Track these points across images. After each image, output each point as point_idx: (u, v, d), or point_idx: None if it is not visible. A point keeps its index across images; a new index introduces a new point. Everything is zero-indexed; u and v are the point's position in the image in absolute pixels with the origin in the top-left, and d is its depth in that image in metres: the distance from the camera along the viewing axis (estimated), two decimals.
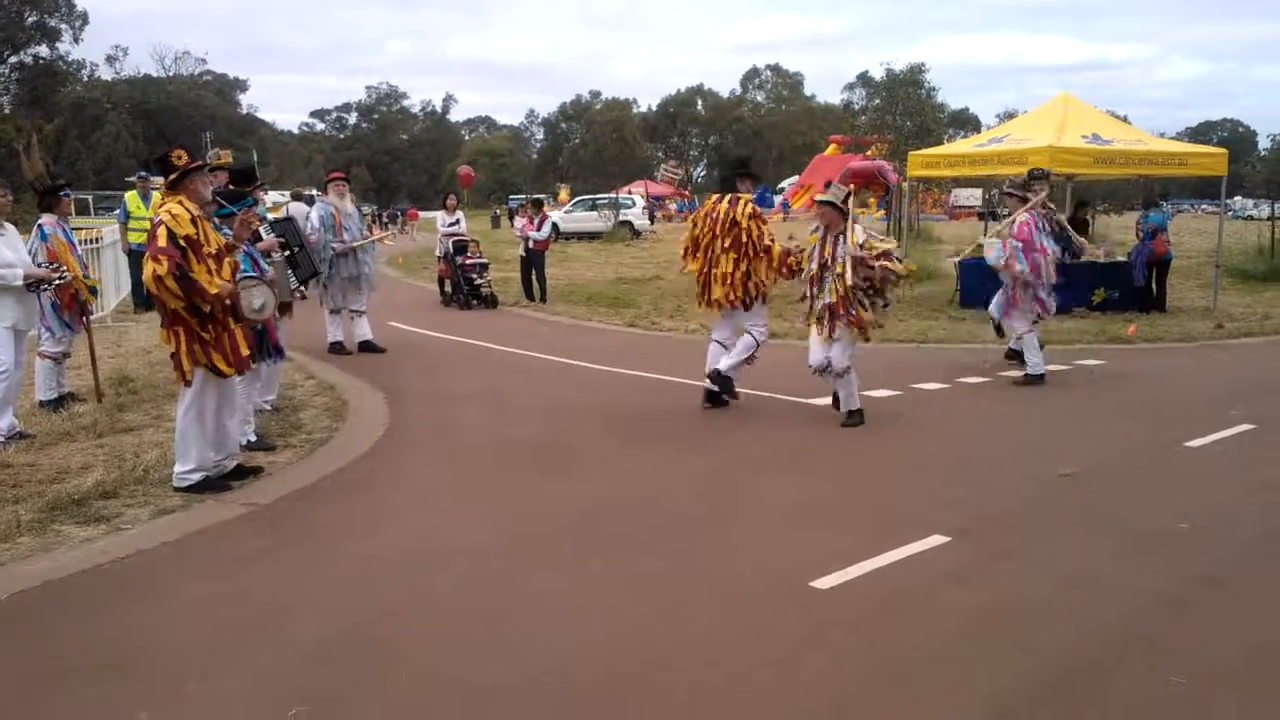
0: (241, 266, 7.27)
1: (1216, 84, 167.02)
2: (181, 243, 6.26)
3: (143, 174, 16.77)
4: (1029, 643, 4.45)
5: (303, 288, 10.89)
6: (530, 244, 18.06)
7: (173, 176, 6.49)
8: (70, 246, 8.92)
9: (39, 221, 8.83)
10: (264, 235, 8.83)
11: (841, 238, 8.34)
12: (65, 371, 9.33)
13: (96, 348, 9.37)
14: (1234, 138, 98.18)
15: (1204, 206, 76.41)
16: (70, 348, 9.25)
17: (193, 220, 6.38)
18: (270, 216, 11.26)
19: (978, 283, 14.84)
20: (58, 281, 8.36)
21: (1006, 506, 6.45)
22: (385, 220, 41.37)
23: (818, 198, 9.00)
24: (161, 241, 6.23)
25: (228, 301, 6.53)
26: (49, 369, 9.06)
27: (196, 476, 6.61)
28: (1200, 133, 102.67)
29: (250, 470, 7.01)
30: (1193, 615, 4.82)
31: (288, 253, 9.51)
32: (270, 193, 36.32)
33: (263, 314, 7.06)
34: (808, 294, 8.63)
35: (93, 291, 9.59)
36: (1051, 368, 10.79)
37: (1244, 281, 20.40)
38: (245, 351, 6.79)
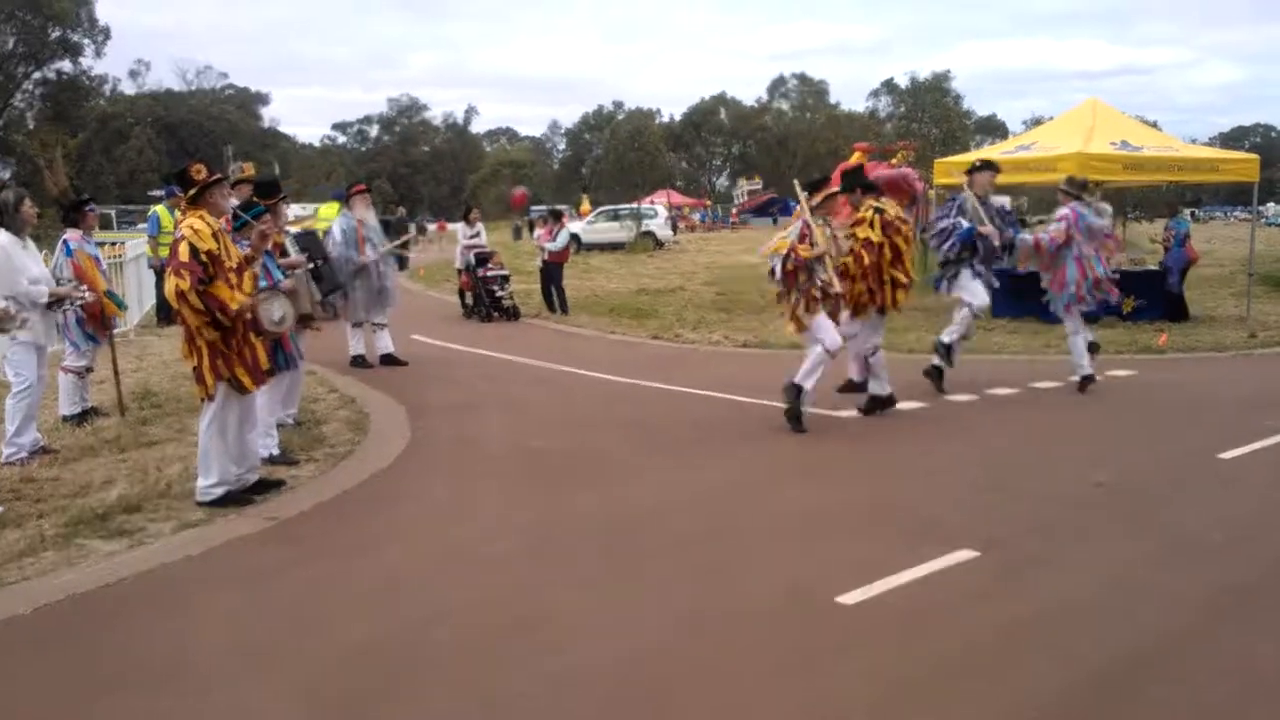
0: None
1: (1254, 88, 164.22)
2: (203, 258, 6.27)
3: (174, 191, 16.87)
4: (1063, 653, 4.38)
5: (334, 305, 10.85)
6: (545, 255, 18.08)
7: (193, 191, 6.49)
8: (95, 261, 8.96)
9: (64, 237, 8.87)
10: (291, 251, 8.83)
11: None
12: (88, 386, 9.34)
13: (120, 361, 9.38)
14: (1266, 143, 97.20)
15: (1236, 213, 75.69)
16: (93, 362, 9.27)
17: (214, 235, 6.39)
18: (293, 230, 11.28)
19: (1002, 292, 14.65)
20: (80, 301, 8.37)
21: (1038, 515, 6.35)
22: (417, 231, 41.09)
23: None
24: (184, 256, 6.23)
25: (248, 316, 6.52)
26: (72, 383, 9.07)
27: (219, 491, 6.60)
28: (1232, 138, 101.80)
29: (272, 484, 6.99)
30: (1227, 625, 4.75)
31: (311, 265, 9.51)
32: (292, 206, 36.46)
33: (282, 326, 7.03)
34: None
35: (121, 306, 9.60)
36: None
37: (1278, 290, 20.13)
38: (265, 365, 6.79)
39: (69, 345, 8.93)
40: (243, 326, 6.52)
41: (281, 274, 7.88)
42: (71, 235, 8.85)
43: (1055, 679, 4.16)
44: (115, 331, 9.41)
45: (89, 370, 9.24)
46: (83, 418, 8.96)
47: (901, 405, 9.49)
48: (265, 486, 6.91)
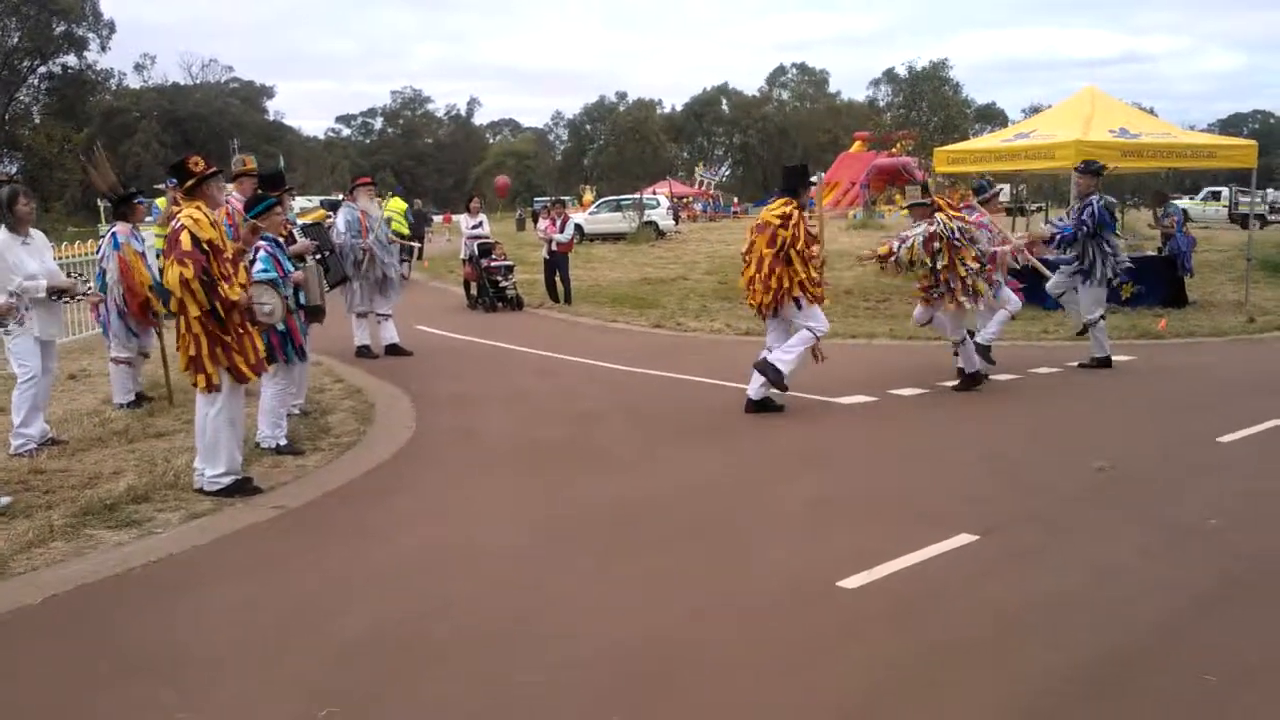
0: (262, 265, 7.33)
1: (1252, 75, 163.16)
2: (205, 247, 6.33)
3: (173, 182, 16.93)
4: (1061, 639, 4.42)
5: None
6: (553, 246, 18.12)
7: (190, 183, 6.56)
8: (141, 256, 9.11)
9: (112, 230, 9.07)
10: (297, 238, 8.88)
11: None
12: (138, 375, 9.48)
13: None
14: (1265, 130, 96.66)
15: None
16: (147, 348, 9.49)
17: (212, 224, 6.46)
18: (300, 222, 11.35)
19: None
20: (82, 295, 8.44)
21: (1039, 501, 6.41)
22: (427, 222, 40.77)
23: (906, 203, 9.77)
24: (186, 245, 6.28)
25: (245, 305, 6.59)
26: (124, 373, 9.24)
27: (227, 480, 6.66)
28: (1230, 124, 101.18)
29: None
30: (1222, 612, 4.78)
31: (318, 257, 9.57)
32: (298, 199, 36.51)
33: (272, 318, 7.03)
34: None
35: (165, 297, 9.69)
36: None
37: (1276, 275, 20.12)
38: (263, 353, 6.88)
39: (111, 338, 9.10)
40: (240, 316, 6.59)
41: (292, 265, 7.93)
42: (120, 229, 9.06)
43: (1051, 665, 4.20)
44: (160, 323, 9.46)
45: (145, 356, 9.48)
46: (137, 403, 9.18)
47: (901, 391, 9.57)
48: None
